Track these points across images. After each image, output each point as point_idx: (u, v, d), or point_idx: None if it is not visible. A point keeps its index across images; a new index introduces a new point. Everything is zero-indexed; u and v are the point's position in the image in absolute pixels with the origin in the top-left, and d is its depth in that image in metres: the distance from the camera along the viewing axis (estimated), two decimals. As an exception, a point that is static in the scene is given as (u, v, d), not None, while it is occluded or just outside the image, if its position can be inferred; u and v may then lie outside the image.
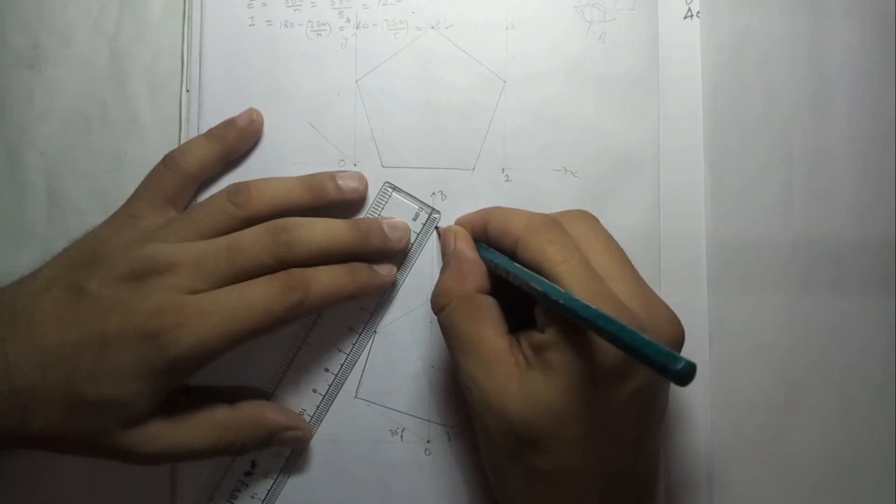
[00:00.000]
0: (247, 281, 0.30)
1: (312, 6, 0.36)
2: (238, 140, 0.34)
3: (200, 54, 0.36)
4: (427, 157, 0.35)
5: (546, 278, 0.28)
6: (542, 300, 0.27)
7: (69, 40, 0.36)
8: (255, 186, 0.32)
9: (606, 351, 0.26)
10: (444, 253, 0.32)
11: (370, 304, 0.35)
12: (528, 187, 0.35)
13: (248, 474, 0.34)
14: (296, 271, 0.31)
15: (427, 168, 0.35)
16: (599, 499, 0.28)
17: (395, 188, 0.35)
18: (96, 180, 0.36)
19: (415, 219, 0.35)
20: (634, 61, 0.36)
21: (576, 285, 0.27)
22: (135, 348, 0.28)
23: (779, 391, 0.35)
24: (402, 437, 0.35)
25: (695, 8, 0.36)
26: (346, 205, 0.34)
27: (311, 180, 0.33)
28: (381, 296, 0.35)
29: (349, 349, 0.35)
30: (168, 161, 0.33)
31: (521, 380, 0.27)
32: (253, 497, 0.34)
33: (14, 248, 0.35)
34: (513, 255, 0.30)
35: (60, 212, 0.36)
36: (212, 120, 0.35)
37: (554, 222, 0.30)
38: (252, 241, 0.31)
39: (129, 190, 0.34)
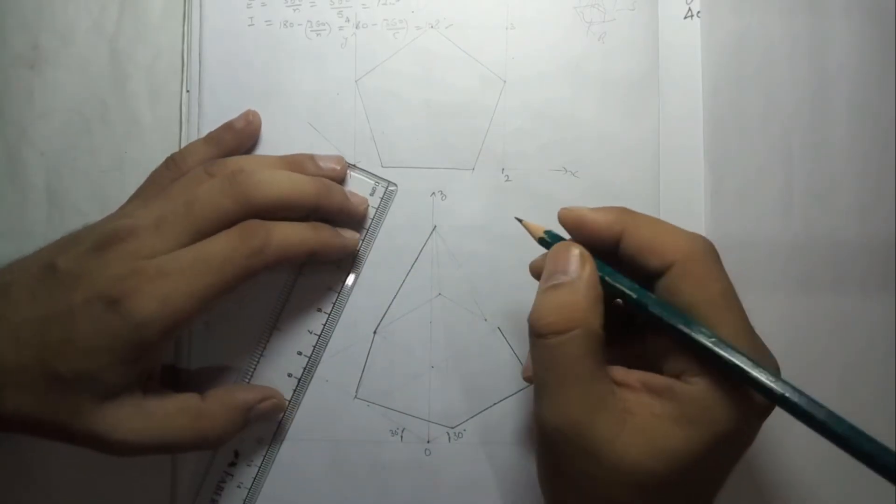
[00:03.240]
0: (208, 238, 0.30)
1: (312, 6, 0.36)
2: (236, 141, 0.34)
3: (200, 54, 0.36)
4: (427, 157, 0.35)
5: (700, 318, 0.25)
6: (693, 347, 0.25)
7: (69, 40, 0.36)
8: (234, 161, 0.33)
9: (756, 405, 0.25)
10: (565, 272, 0.27)
11: (337, 283, 0.35)
12: (528, 187, 0.35)
13: (231, 464, 0.34)
14: (255, 220, 0.30)
15: (427, 168, 0.35)
16: None
17: (351, 166, 0.35)
18: (96, 180, 0.36)
19: (372, 193, 0.35)
20: (634, 61, 0.36)
21: (737, 337, 0.25)
22: (100, 318, 0.28)
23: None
24: (402, 437, 0.35)
25: (695, 8, 0.36)
26: None
27: (290, 158, 0.34)
28: (347, 275, 0.35)
29: (320, 331, 0.35)
30: (169, 163, 0.33)
31: (644, 428, 0.25)
32: (239, 486, 0.34)
33: (14, 248, 0.35)
34: (653, 277, 0.27)
35: (60, 212, 0.36)
36: (212, 120, 0.35)
37: (716, 252, 0.27)
38: (209, 188, 0.30)
39: (129, 190, 0.34)
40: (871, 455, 0.23)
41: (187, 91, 0.36)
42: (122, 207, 0.33)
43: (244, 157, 0.34)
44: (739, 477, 0.35)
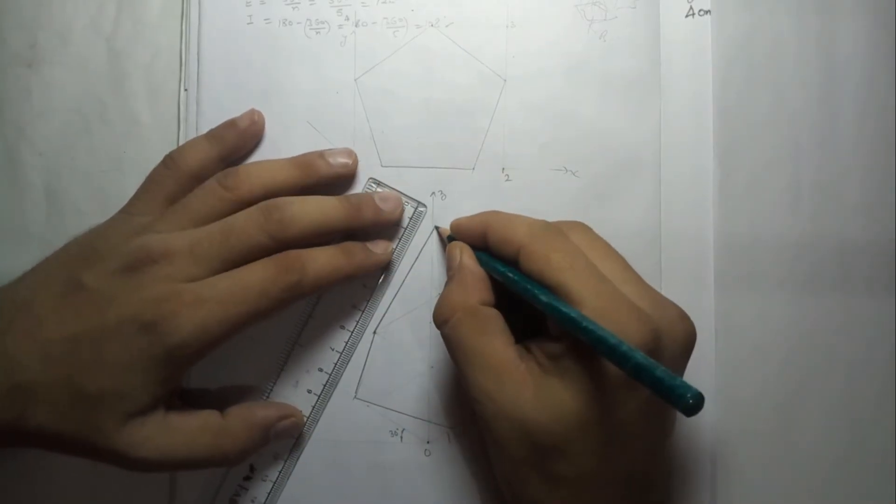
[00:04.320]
0: (244, 266, 0.30)
1: (311, 4, 0.35)
2: (238, 141, 0.34)
3: (199, 53, 0.35)
4: (427, 157, 0.35)
5: (551, 286, 0.28)
6: (546, 311, 0.27)
7: (67, 39, 0.36)
8: (245, 169, 0.33)
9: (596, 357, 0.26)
10: (450, 267, 0.32)
11: (361, 302, 0.35)
12: (528, 187, 0.35)
13: (247, 479, 0.34)
14: (292, 252, 0.31)
15: (427, 167, 0.35)
16: (621, 502, 0.28)
17: (378, 182, 0.35)
18: (95, 180, 0.36)
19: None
20: (635, 60, 0.35)
21: (584, 290, 0.27)
22: (134, 339, 0.28)
23: (784, 389, 0.35)
24: (402, 437, 0.35)
25: (696, 6, 0.36)
26: (337, 187, 0.34)
27: (300, 159, 0.34)
28: (372, 293, 0.35)
29: (342, 348, 0.35)
30: (168, 161, 0.33)
31: (537, 388, 0.27)
32: (253, 501, 0.34)
33: (13, 248, 0.35)
34: (514, 263, 0.29)
35: (59, 212, 0.36)
36: (211, 119, 0.35)
37: (556, 229, 0.30)
38: (244, 221, 0.31)
39: (129, 190, 0.33)
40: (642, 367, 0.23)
41: (186, 90, 0.36)
42: (127, 208, 0.33)
43: (256, 166, 0.33)
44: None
